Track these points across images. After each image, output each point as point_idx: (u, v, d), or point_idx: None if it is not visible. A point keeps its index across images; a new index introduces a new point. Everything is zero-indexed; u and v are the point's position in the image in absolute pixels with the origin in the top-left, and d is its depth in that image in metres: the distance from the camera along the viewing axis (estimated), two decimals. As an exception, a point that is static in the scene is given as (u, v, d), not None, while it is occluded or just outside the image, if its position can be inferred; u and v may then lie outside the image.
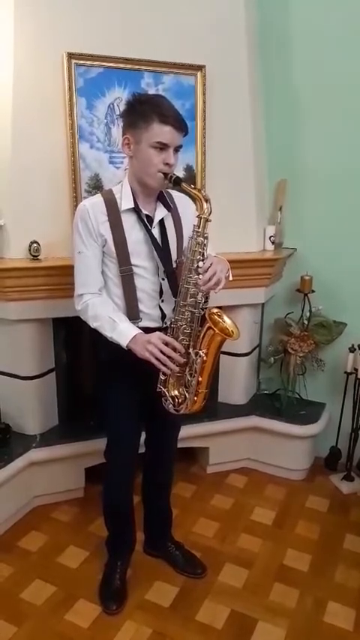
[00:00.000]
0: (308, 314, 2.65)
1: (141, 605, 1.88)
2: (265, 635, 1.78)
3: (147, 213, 1.66)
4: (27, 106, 2.07)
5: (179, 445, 2.06)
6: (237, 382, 2.72)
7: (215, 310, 1.64)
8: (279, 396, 2.71)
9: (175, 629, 1.79)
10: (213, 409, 2.64)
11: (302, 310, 2.68)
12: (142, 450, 1.96)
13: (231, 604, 1.90)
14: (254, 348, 2.77)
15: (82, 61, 2.10)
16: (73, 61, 2.08)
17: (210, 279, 1.55)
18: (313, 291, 2.63)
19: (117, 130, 2.19)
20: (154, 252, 1.65)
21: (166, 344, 1.57)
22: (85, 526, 2.28)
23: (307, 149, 2.60)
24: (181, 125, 1.55)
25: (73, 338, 2.41)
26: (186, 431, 2.22)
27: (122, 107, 2.11)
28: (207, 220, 1.56)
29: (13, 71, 2.03)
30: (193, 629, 1.80)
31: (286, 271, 2.75)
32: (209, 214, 1.56)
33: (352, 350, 2.55)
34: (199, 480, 2.64)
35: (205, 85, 2.28)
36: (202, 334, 1.61)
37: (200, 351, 1.60)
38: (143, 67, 2.18)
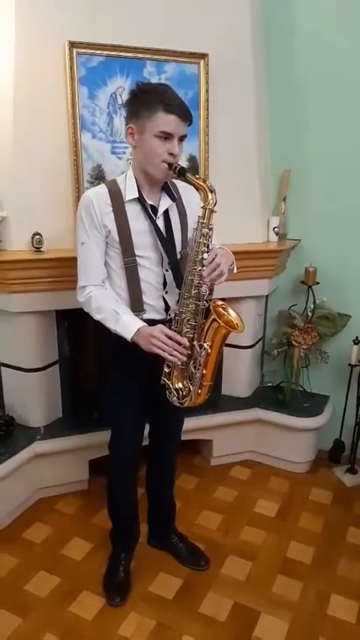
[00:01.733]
0: (312, 306, 2.64)
1: (145, 597, 1.89)
2: (268, 628, 1.78)
3: (152, 203, 1.64)
4: (28, 95, 2.05)
5: (183, 437, 2.06)
6: (240, 375, 2.71)
7: (220, 303, 1.63)
8: (282, 389, 2.70)
9: (178, 621, 1.80)
10: (216, 402, 2.63)
11: (306, 302, 2.66)
12: (146, 442, 1.96)
13: (234, 596, 1.90)
14: (258, 341, 2.75)
15: (83, 50, 2.07)
16: (75, 50, 2.05)
17: (214, 271, 1.54)
18: (317, 283, 2.62)
19: (119, 120, 2.16)
20: (159, 243, 1.64)
21: (169, 337, 1.56)
22: (89, 518, 2.29)
23: (311, 139, 2.57)
24: (185, 114, 1.53)
25: (76, 330, 2.40)
26: (189, 423, 2.21)
27: (125, 96, 2.10)
28: (212, 211, 1.54)
29: (15, 60, 2.01)
30: (196, 621, 1.80)
31: (289, 263, 2.73)
32: (214, 205, 1.54)
33: (356, 342, 2.53)
34: (202, 473, 2.64)
35: (208, 73, 2.25)
36: (206, 327, 1.59)
37: (205, 344, 1.58)
38: (145, 56, 2.15)
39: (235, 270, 1.67)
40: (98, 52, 2.09)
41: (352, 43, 2.38)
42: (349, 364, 2.57)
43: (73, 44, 2.04)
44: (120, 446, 1.84)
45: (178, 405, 1.67)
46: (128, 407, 1.78)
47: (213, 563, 2.04)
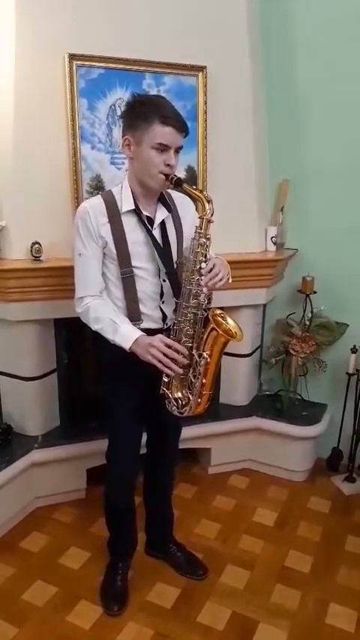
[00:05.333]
0: (310, 315, 2.65)
1: (142, 607, 1.88)
2: (267, 637, 1.77)
3: (148, 214, 1.66)
4: (29, 107, 2.07)
5: (180, 446, 2.06)
6: (238, 383, 2.71)
7: (218, 311, 1.63)
8: (280, 397, 2.70)
9: (176, 630, 1.79)
10: (214, 410, 2.63)
11: (304, 311, 2.67)
12: (144, 450, 1.96)
13: (232, 605, 1.90)
14: (256, 349, 2.76)
15: (83, 62, 2.09)
16: (75, 62, 2.08)
17: (211, 280, 1.55)
18: (314, 292, 2.63)
19: (118, 131, 2.18)
20: (155, 253, 1.65)
21: (169, 346, 1.56)
22: (86, 527, 2.28)
23: (308, 150, 2.60)
24: (182, 126, 1.55)
25: (75, 339, 2.41)
26: (187, 432, 2.21)
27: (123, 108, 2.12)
28: (209, 221, 1.56)
29: (15, 72, 2.03)
30: (194, 630, 1.79)
31: (287, 272, 2.74)
32: (211, 215, 1.55)
33: (353, 351, 2.54)
34: (200, 481, 2.64)
35: (206, 85, 2.27)
36: (205, 336, 1.60)
37: (204, 353, 1.59)
38: (144, 68, 2.18)
39: (230, 281, 1.68)
40: (98, 64, 2.11)
41: (350, 53, 2.41)
42: (347, 373, 2.58)
43: (72, 56, 2.07)
44: (117, 455, 1.84)
45: (178, 414, 1.67)
46: (126, 416, 1.78)
47: (211, 572, 2.03)
